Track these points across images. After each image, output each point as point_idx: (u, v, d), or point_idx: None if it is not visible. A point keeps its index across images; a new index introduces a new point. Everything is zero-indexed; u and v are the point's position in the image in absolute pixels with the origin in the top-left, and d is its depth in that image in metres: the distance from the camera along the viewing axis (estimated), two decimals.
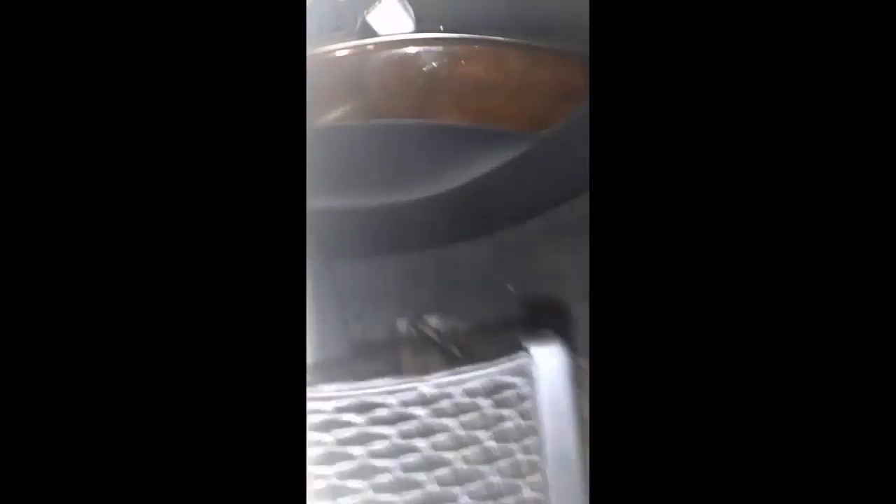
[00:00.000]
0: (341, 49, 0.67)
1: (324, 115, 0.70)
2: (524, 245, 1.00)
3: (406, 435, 0.45)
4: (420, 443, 0.44)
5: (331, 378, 0.47)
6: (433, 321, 1.10)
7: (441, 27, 0.70)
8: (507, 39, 0.64)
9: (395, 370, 0.98)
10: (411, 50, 0.65)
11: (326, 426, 0.43)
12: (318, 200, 0.88)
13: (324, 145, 0.78)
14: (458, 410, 0.47)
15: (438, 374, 0.50)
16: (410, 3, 0.70)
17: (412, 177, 0.78)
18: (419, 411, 0.47)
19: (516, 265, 1.03)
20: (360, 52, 0.67)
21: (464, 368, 0.55)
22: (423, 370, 1.01)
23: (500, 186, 0.82)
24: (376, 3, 0.69)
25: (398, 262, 1.02)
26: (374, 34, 0.69)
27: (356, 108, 0.69)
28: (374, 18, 0.70)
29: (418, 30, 0.70)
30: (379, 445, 0.45)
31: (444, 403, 0.48)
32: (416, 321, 1.09)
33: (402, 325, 1.12)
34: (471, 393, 0.50)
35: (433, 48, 0.65)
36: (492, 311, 1.04)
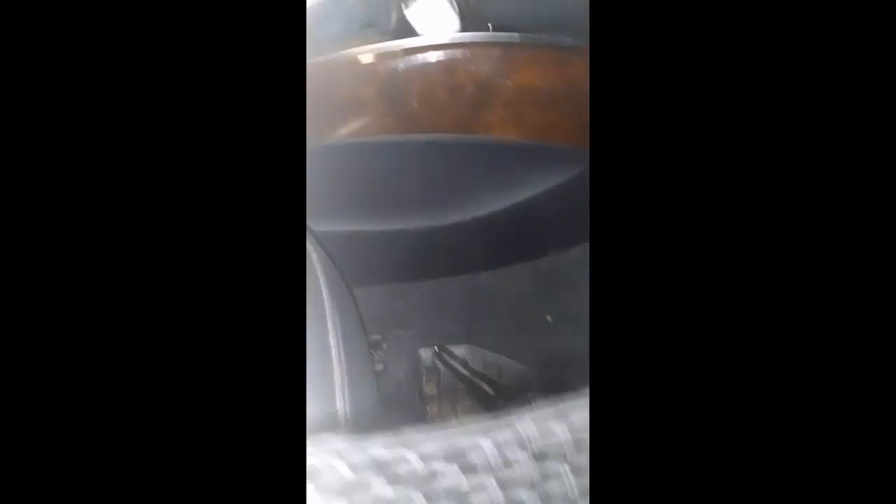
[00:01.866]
0: (368, 52, 0.56)
1: (349, 126, 0.59)
2: (564, 272, 0.90)
3: None
4: None
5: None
6: (461, 352, 1.00)
7: (490, 26, 0.60)
8: (573, 42, 0.53)
9: (420, 417, 0.89)
10: (459, 54, 0.54)
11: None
12: (339, 223, 0.79)
13: (348, 161, 0.69)
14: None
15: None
16: None
17: (450, 198, 0.68)
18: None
19: (555, 293, 0.93)
20: (396, 55, 0.56)
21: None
22: (451, 413, 0.92)
23: (549, 209, 0.72)
24: None
25: (424, 288, 0.92)
26: (412, 33, 0.59)
27: (389, 120, 0.58)
28: (414, 14, 0.59)
29: (464, 28, 0.59)
30: None
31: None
32: (442, 352, 0.99)
33: (427, 355, 1.02)
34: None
35: (486, 52, 0.54)
36: (527, 342, 0.94)
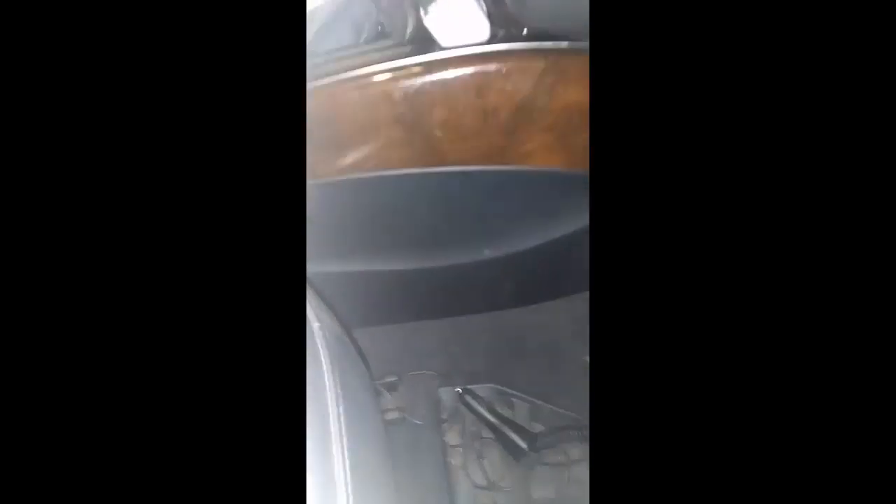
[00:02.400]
0: (382, 70, 0.46)
1: (362, 157, 0.50)
2: None
3: None
4: None
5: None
6: (486, 394, 0.89)
7: (525, 30, 0.50)
8: None
9: (442, 469, 0.79)
10: (493, 69, 0.44)
11: None
12: (350, 262, 0.70)
13: (360, 196, 0.59)
14: None
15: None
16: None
17: (480, 235, 0.58)
18: None
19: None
20: (414, 73, 0.46)
21: None
22: (477, 467, 0.81)
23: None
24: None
25: (444, 326, 0.82)
26: (433, 44, 0.49)
27: (408, 151, 0.48)
28: (435, 20, 0.49)
29: (495, 35, 0.49)
30: None
31: None
32: (466, 394, 0.88)
33: (447, 396, 0.91)
34: None
35: (527, 65, 0.44)
36: (561, 385, 0.84)
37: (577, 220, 0.56)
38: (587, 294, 0.75)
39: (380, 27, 0.57)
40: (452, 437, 0.82)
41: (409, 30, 0.52)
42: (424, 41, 0.50)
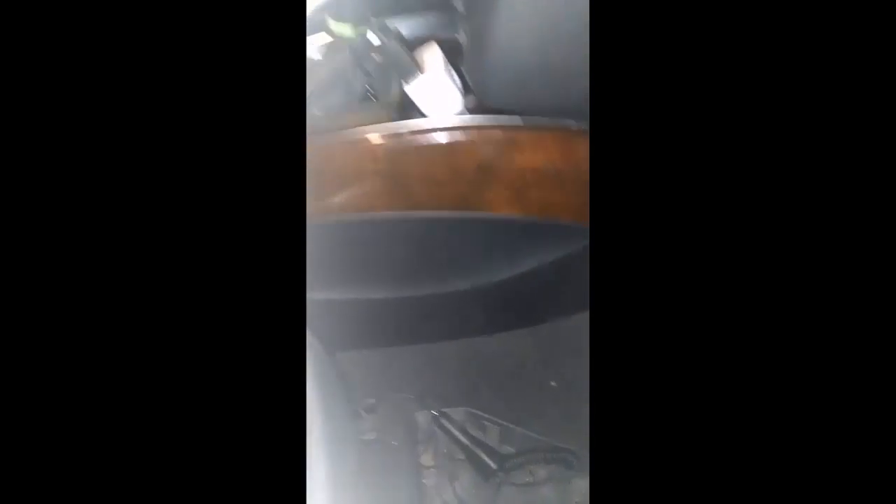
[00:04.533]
0: (376, 133, 0.55)
1: (348, 201, 0.58)
2: (569, 336, 0.88)
3: None
4: None
5: None
6: (459, 416, 0.95)
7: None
8: (578, 125, 0.53)
9: (416, 489, 0.85)
10: (462, 137, 0.54)
11: None
12: (333, 292, 0.77)
13: (346, 235, 0.67)
14: None
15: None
16: (458, 74, 0.59)
17: (450, 269, 0.67)
18: None
19: (559, 357, 0.91)
20: (401, 136, 0.55)
21: None
22: (448, 487, 0.87)
23: (552, 281, 0.71)
24: (416, 72, 0.57)
25: (420, 351, 0.89)
26: (413, 107, 0.58)
27: (389, 198, 0.57)
28: (415, 90, 0.59)
29: (466, 105, 0.59)
30: None
31: None
32: (441, 416, 0.95)
33: (423, 419, 0.98)
34: None
35: (489, 133, 0.54)
36: (529, 408, 0.91)
37: (535, 259, 0.65)
38: (551, 324, 0.82)
39: (370, 89, 0.67)
40: (427, 459, 0.87)
41: (394, 95, 0.61)
42: (406, 106, 0.59)
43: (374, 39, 0.63)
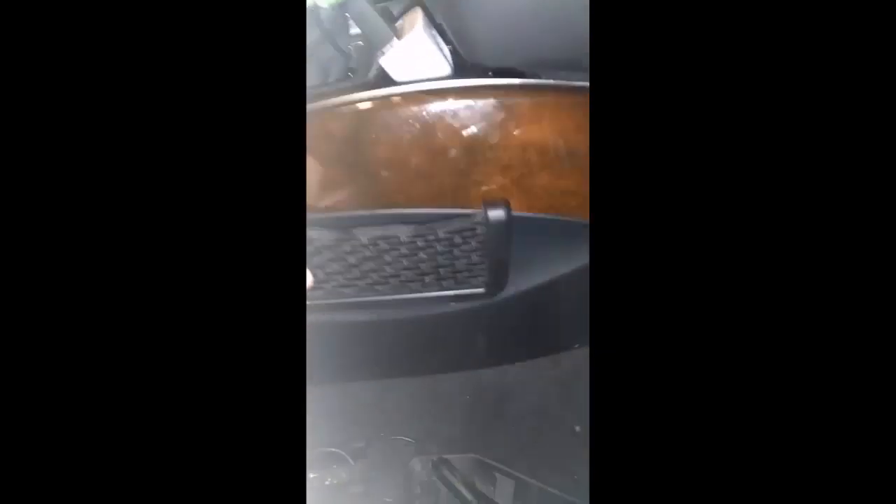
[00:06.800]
0: (327, 110, 0.44)
1: (309, 199, 0.47)
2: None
3: None
4: None
5: None
6: (465, 465, 0.80)
7: (490, 73, 0.48)
8: (585, 80, 0.40)
9: None
10: (438, 106, 0.42)
11: None
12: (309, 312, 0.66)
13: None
14: None
15: None
16: (446, 38, 0.48)
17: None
18: None
19: (585, 394, 0.75)
20: (359, 115, 0.44)
21: None
22: None
23: (573, 296, 0.57)
24: (392, 39, 0.47)
25: (418, 384, 0.76)
26: (390, 82, 0.47)
27: (350, 191, 0.45)
28: (391, 61, 0.48)
29: (457, 74, 0.47)
30: None
31: None
32: (442, 465, 0.79)
33: (421, 468, 0.83)
34: None
35: (476, 102, 0.41)
36: (549, 457, 0.75)
37: (550, 268, 0.52)
38: (575, 352, 0.69)
39: (350, 73, 0.57)
40: None
41: (372, 72, 0.50)
42: (384, 80, 0.49)
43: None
